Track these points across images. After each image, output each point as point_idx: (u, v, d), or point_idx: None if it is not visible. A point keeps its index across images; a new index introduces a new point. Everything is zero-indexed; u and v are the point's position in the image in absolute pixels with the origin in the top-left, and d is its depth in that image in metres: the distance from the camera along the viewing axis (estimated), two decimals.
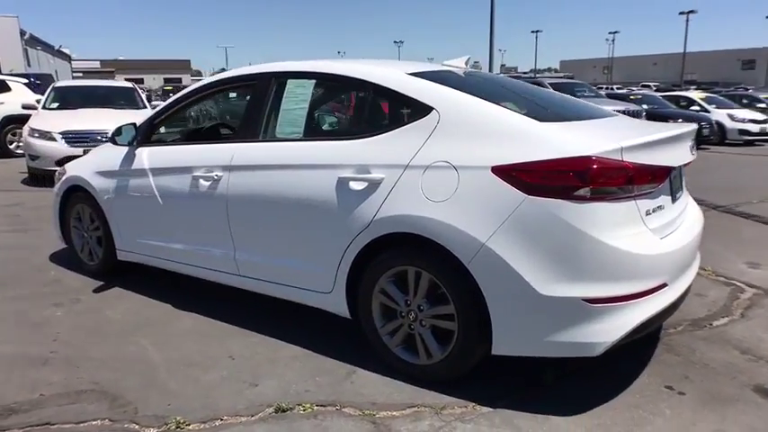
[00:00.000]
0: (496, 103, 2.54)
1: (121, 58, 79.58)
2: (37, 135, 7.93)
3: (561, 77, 32.48)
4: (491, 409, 2.34)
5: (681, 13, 54.04)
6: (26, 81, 12.33)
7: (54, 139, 7.78)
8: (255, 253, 3.04)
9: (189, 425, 2.28)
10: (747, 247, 4.74)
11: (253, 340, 3.03)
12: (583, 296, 2.16)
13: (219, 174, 3.09)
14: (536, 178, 2.21)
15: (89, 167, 3.97)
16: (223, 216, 3.09)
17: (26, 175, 8.38)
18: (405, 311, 2.56)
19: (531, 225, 2.19)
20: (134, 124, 3.67)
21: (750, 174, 9.54)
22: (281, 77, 3.10)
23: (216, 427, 2.27)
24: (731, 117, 14.85)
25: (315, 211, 2.71)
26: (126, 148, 3.68)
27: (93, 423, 2.30)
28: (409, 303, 2.54)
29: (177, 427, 2.26)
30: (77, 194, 4.04)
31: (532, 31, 77.50)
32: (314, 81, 3.03)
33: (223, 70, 16.23)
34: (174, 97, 3.69)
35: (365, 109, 2.86)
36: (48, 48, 40.65)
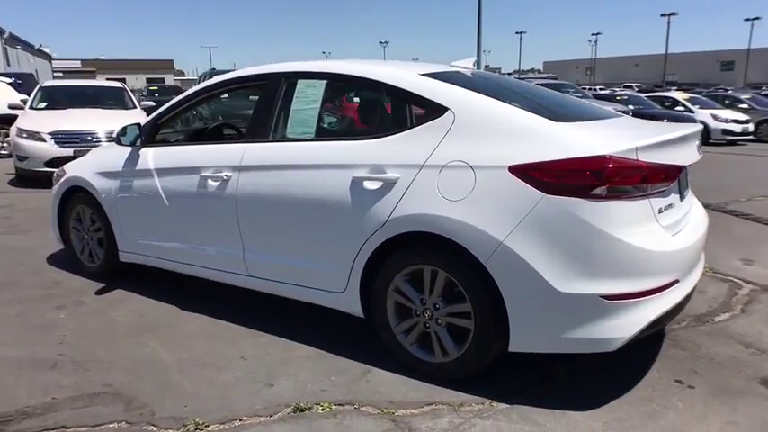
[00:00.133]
0: (508, 104, 2.57)
1: (103, 57, 78.46)
2: (25, 135, 7.76)
3: (545, 78, 32.75)
4: (508, 406, 2.37)
5: (662, 15, 55.09)
6: (11, 81, 12.10)
7: (43, 140, 7.63)
8: (266, 253, 3.03)
9: (208, 426, 2.27)
10: (740, 245, 4.86)
11: (263, 340, 3.03)
12: (600, 293, 2.20)
13: (229, 174, 3.07)
14: (553, 177, 2.24)
15: (90, 168, 3.92)
16: (232, 216, 3.08)
17: (14, 176, 8.24)
18: (420, 310, 2.58)
19: (548, 223, 2.23)
20: (138, 124, 3.63)
21: (735, 173, 9.76)
22: (292, 78, 3.10)
23: (235, 428, 2.26)
24: (715, 117, 15.14)
25: (328, 210, 2.72)
26: (129, 149, 3.65)
27: (111, 426, 2.28)
28: (425, 302, 2.56)
29: (196, 429, 2.25)
30: (78, 195, 3.99)
31: (517, 32, 78.11)
32: (325, 81, 3.04)
33: (213, 70, 15.98)
34: (178, 97, 3.66)
35: (378, 109, 2.87)
36: (28, 47, 39.86)
